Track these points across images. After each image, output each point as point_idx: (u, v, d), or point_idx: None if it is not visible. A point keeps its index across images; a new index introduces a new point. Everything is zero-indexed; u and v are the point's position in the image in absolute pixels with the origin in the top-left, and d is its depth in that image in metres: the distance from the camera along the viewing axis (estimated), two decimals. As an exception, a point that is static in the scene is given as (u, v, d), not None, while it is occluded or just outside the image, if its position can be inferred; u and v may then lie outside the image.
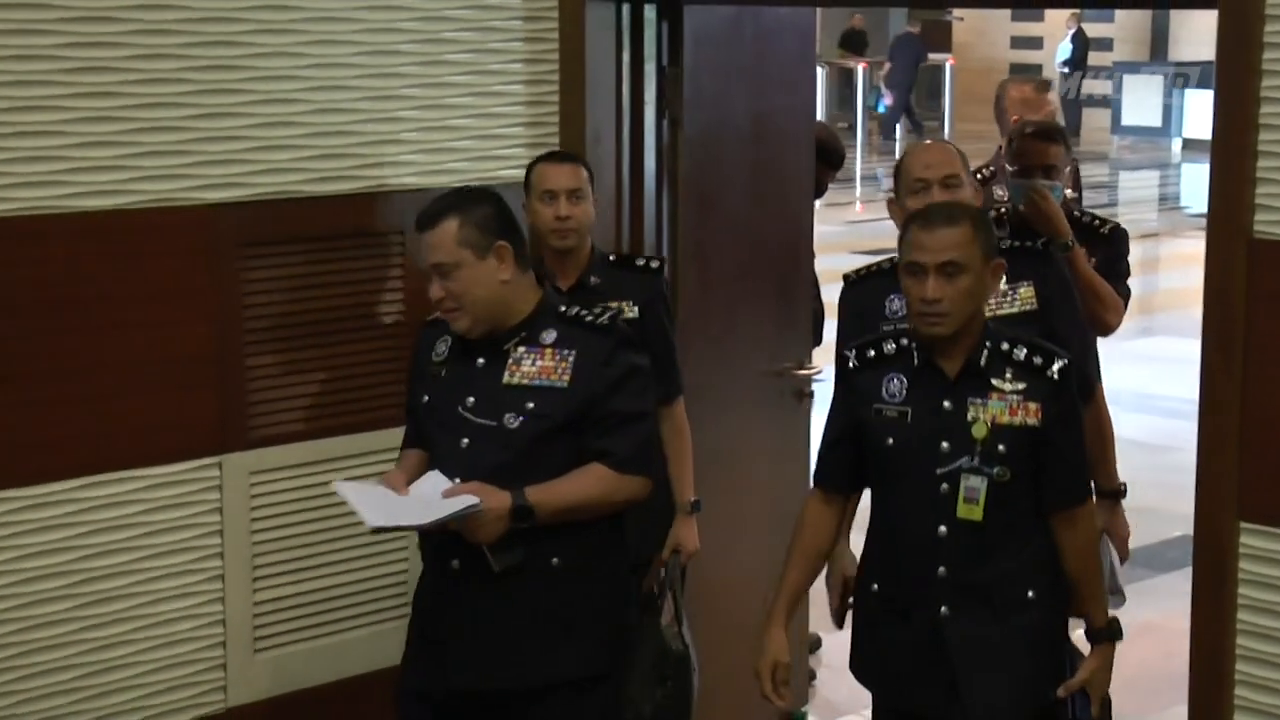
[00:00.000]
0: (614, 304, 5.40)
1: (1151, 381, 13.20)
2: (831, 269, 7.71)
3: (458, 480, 4.54)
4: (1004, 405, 4.30)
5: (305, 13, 5.49)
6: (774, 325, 6.93)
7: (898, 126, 31.14)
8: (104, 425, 5.25)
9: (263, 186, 5.46)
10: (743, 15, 6.53)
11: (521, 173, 5.98)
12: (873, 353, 4.45)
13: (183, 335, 5.34)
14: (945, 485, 4.31)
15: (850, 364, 4.47)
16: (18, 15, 5.00)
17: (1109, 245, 6.16)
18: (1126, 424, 8.46)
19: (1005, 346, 4.35)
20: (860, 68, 31.29)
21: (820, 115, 28.52)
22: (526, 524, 4.50)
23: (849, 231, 18.81)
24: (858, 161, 27.68)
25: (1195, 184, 27.25)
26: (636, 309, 5.56)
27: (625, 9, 6.20)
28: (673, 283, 6.46)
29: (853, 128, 31.13)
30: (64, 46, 5.08)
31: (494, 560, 4.55)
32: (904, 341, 4.39)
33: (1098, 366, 5.56)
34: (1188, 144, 30.02)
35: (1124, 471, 5.86)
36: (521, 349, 4.70)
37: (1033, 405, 4.29)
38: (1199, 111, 27.02)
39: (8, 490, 5.07)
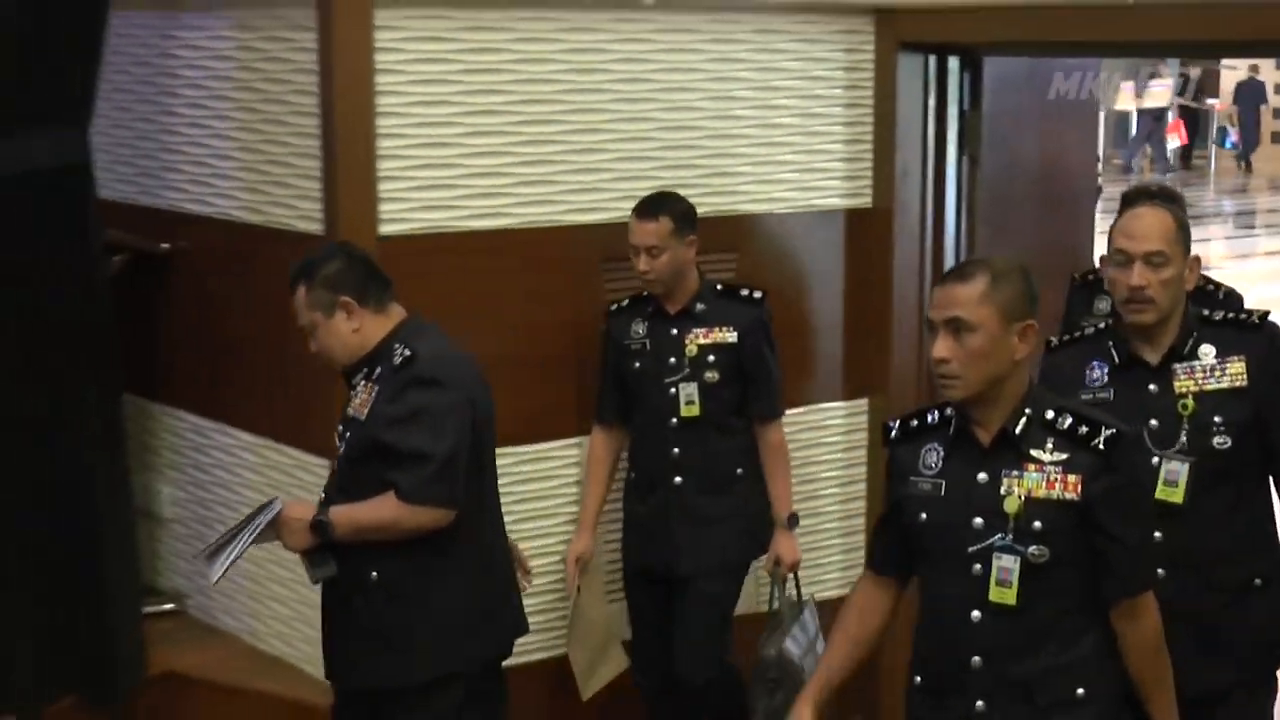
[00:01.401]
0: (717, 328, 5.46)
1: None
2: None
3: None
4: (1041, 478, 3.60)
5: (657, 65, 5.81)
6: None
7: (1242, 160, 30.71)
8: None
9: (620, 211, 5.69)
10: (1036, 65, 6.64)
11: (839, 201, 6.29)
12: (915, 423, 3.84)
13: (551, 337, 5.66)
14: (978, 565, 3.63)
15: (892, 435, 3.89)
16: (424, 68, 5.39)
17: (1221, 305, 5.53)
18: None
19: (1050, 414, 3.65)
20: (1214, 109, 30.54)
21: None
22: (325, 538, 4.46)
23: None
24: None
25: None
26: (735, 334, 5.45)
27: (932, 60, 6.36)
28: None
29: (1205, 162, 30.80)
30: (459, 94, 5.46)
31: (309, 571, 4.58)
32: (947, 410, 3.76)
33: None
34: None
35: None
36: (361, 383, 4.66)
37: (1072, 478, 3.58)
38: None
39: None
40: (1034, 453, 3.62)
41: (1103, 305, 5.77)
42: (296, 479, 5.76)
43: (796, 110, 6.20)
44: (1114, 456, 3.60)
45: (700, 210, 5.88)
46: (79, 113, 5.46)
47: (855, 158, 6.35)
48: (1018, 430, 3.64)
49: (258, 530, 4.46)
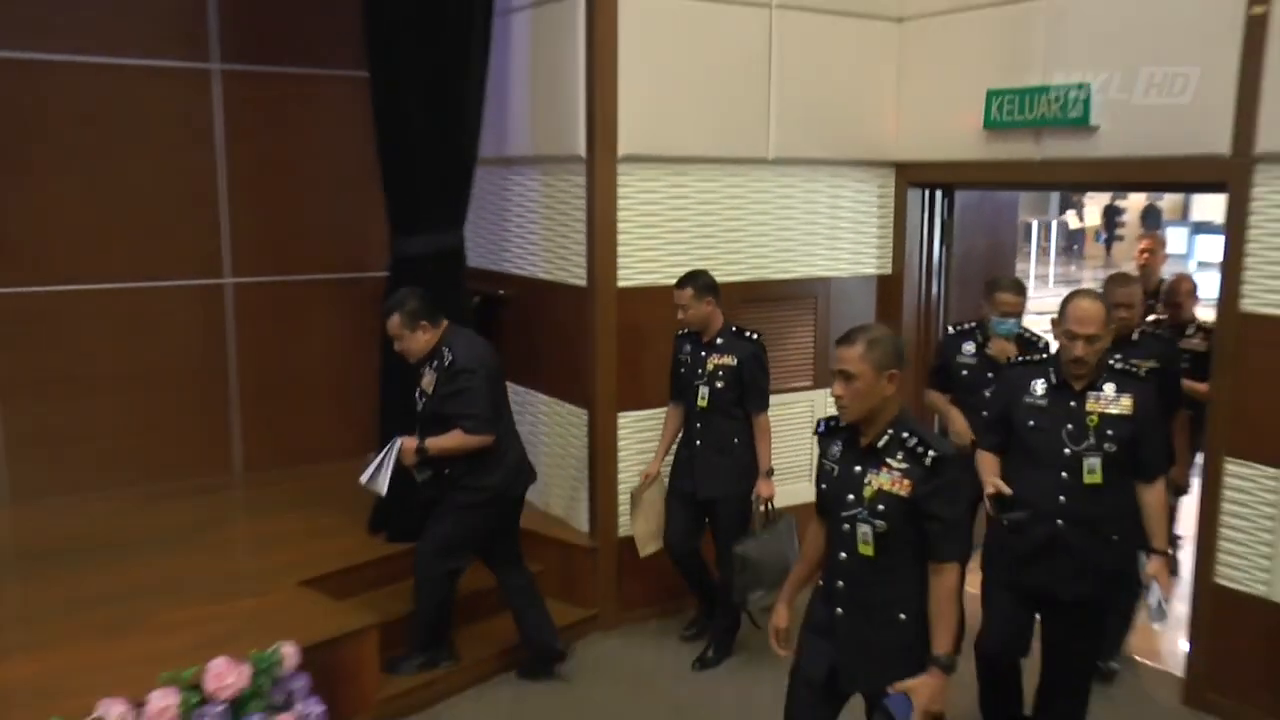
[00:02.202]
0: (726, 355, 5.05)
1: None
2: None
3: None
4: (889, 477, 3.27)
5: (774, 195, 5.81)
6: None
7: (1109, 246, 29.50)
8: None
9: (752, 273, 5.78)
10: (984, 195, 6.50)
11: (874, 270, 6.18)
12: (832, 423, 3.47)
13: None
14: (846, 525, 3.35)
15: (820, 429, 3.52)
16: (644, 195, 5.38)
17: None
18: None
19: (905, 435, 3.29)
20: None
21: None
22: (424, 456, 4.60)
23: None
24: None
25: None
26: (736, 360, 5.05)
27: (926, 192, 6.21)
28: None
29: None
30: (663, 209, 5.47)
31: (416, 475, 4.70)
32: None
33: (1166, 461, 4.26)
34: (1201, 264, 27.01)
35: None
36: (426, 368, 4.69)
37: (907, 481, 3.25)
38: (1208, 248, 24.01)
39: (636, 410, 5.49)
40: (889, 460, 3.29)
41: (969, 348, 5.15)
42: (567, 419, 5.77)
43: (850, 218, 6.15)
44: (936, 469, 3.23)
45: (795, 274, 5.92)
46: (460, 218, 5.52)
47: (883, 245, 6.26)
48: (880, 444, 3.31)
49: (391, 457, 4.61)
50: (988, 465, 4.14)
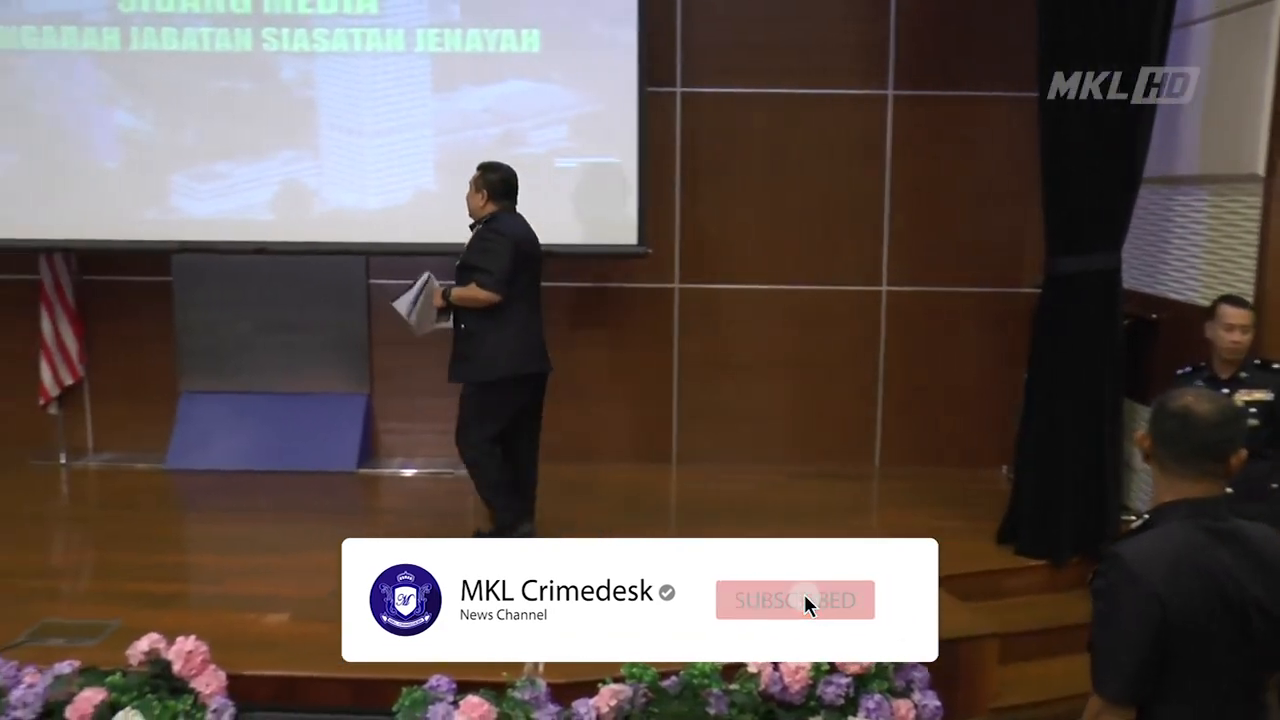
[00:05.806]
0: (1256, 390, 4.47)
1: None
2: None
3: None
4: None
5: None
6: None
7: None
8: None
9: None
10: None
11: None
12: None
13: None
14: None
15: None
16: None
17: None
18: None
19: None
20: None
21: None
22: (447, 300, 5.02)
23: None
24: None
25: None
26: (1272, 394, 4.50)
27: None
28: None
29: None
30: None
31: (448, 321, 5.12)
32: None
33: None
34: None
35: None
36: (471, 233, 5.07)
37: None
38: None
39: None
40: None
41: None
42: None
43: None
44: (1092, 583, 2.40)
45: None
46: (1119, 239, 5.28)
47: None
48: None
49: (421, 291, 5.11)
50: None
